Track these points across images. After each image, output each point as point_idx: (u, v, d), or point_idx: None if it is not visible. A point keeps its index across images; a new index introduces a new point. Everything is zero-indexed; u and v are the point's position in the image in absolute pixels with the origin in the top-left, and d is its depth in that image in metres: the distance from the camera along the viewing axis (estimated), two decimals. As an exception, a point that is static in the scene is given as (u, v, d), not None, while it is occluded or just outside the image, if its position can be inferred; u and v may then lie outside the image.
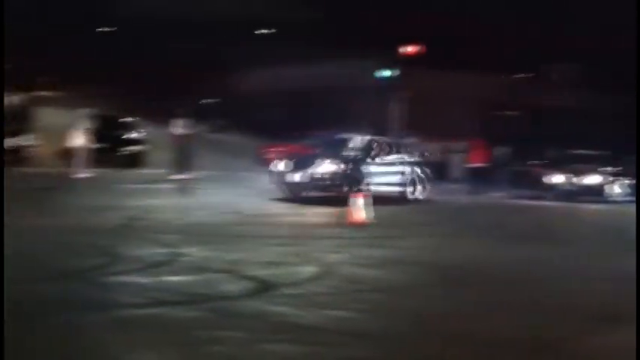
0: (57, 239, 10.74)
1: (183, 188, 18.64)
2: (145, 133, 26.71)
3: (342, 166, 18.12)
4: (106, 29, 51.73)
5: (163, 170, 23.03)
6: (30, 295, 7.19)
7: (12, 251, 8.65)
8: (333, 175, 17.96)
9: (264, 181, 19.67)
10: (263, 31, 49.13)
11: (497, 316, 7.41)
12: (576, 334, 6.84)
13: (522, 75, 47.54)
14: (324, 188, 18.10)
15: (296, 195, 18.14)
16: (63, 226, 12.10)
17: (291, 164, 18.39)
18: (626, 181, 24.05)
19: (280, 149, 29.35)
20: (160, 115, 40.97)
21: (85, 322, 6.44)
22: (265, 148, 29.88)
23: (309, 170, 18.08)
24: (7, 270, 7.54)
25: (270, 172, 18.83)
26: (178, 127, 21.97)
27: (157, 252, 9.98)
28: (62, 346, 5.75)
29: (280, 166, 18.63)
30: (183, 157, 21.57)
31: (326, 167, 18.15)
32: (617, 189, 23.97)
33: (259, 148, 30.83)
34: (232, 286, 8.19)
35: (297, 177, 18.15)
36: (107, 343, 5.86)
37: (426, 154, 21.73)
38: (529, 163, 25.72)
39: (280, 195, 18.54)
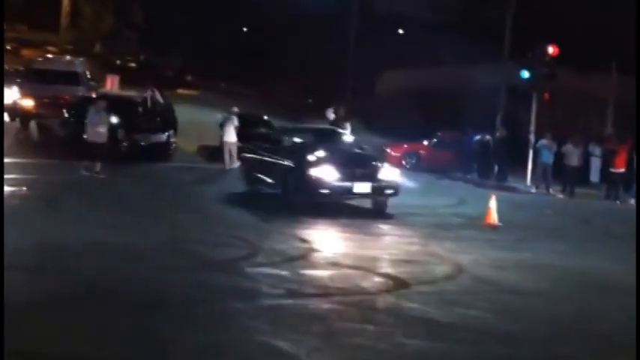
0: (202, 230, 11.33)
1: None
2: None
3: None
4: (246, 29, 53.03)
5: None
6: (181, 284, 7.75)
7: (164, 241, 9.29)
8: None
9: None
10: (399, 30, 49.21)
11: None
12: None
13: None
14: None
15: None
16: (205, 218, 12.68)
17: None
18: None
19: (404, 148, 29.95)
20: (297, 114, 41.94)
21: (234, 309, 6.90)
22: (390, 147, 30.41)
23: None
24: (163, 258, 8.20)
25: None
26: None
27: (294, 246, 10.39)
28: (216, 331, 6.24)
29: None
30: None
31: None
32: None
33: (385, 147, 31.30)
34: (367, 282, 8.49)
35: None
36: (254, 330, 6.28)
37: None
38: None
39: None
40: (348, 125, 22.46)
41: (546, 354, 6.32)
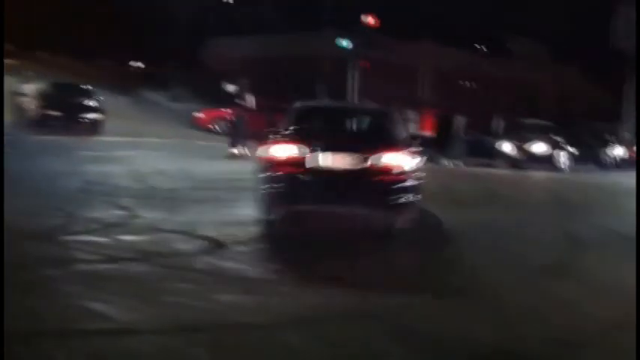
0: (16, 203, 11.09)
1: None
2: (102, 101, 26.90)
3: None
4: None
5: (121, 138, 23.41)
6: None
7: None
8: None
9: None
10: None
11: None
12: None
13: (477, 47, 48.25)
14: None
15: None
16: (22, 190, 12.42)
17: None
18: (570, 150, 24.96)
19: (212, 114, 30.51)
20: (117, 82, 41.13)
21: (51, 276, 6.94)
22: (198, 111, 31.15)
23: None
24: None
25: None
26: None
27: (114, 214, 10.42)
28: (33, 297, 6.27)
29: None
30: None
31: None
32: (563, 158, 24.84)
33: (193, 113, 31.83)
34: (185, 245, 8.70)
35: None
36: (71, 294, 6.36)
37: None
38: (481, 132, 26.51)
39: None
40: (251, 98, 21.85)
41: (356, 299, 6.75)
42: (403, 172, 9.46)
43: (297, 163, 9.28)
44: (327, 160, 9.35)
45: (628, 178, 21.37)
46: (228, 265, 7.74)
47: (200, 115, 32.03)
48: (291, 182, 9.27)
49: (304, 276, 7.53)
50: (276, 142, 9.64)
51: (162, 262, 7.74)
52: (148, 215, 10.46)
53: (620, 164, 27.27)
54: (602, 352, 5.79)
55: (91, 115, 25.48)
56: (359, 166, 9.29)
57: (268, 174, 9.49)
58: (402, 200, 9.44)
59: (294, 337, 5.63)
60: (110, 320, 5.77)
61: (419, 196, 9.87)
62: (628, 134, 32.17)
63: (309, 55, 36.86)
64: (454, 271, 8.35)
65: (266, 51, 41.35)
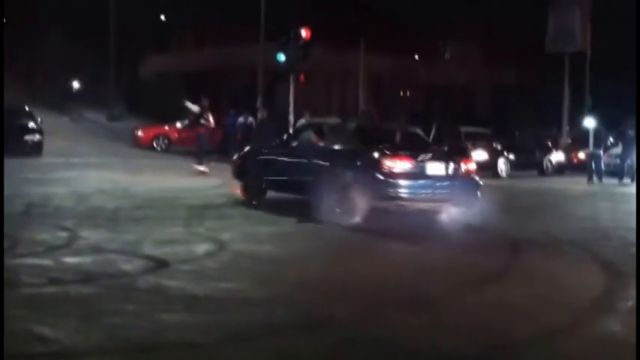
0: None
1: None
2: (42, 122, 26.65)
3: None
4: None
5: (61, 158, 23.24)
6: None
7: None
8: None
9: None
10: (161, 16, 49.00)
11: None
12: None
13: (416, 53, 48.76)
14: None
15: None
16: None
17: None
18: (511, 157, 25.47)
19: (152, 131, 30.49)
20: (55, 102, 40.68)
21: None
22: (138, 129, 31.09)
23: None
24: None
25: None
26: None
27: (56, 236, 10.40)
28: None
29: None
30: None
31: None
32: (503, 164, 25.34)
33: (133, 130, 31.78)
34: (129, 265, 8.75)
35: None
36: (15, 318, 6.38)
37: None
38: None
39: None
40: (210, 116, 22.28)
41: (301, 314, 6.90)
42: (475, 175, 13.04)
43: (414, 172, 12.22)
44: (433, 168, 12.45)
45: (564, 184, 22.00)
46: (172, 283, 7.81)
47: (140, 132, 31.87)
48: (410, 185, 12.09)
49: (248, 295, 7.64)
50: (393, 157, 12.26)
51: (106, 283, 7.78)
52: (91, 236, 10.47)
53: (559, 170, 27.83)
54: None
55: (31, 137, 25.24)
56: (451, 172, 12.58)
57: (393, 180, 11.98)
58: (479, 194, 12.86)
59: (243, 354, 5.76)
60: (54, 343, 5.81)
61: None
62: (567, 139, 32.77)
63: (246, 68, 36.98)
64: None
65: (199, 65, 41.36)
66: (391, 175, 12.08)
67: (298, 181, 13.37)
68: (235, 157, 16.28)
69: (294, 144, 14.40)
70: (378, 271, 8.97)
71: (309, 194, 12.95)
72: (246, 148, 16.08)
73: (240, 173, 15.47)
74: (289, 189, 14.11)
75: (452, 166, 12.62)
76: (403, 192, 12.06)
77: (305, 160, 13.39)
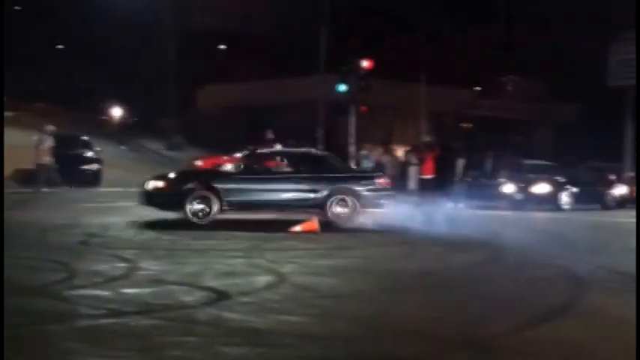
0: (19, 257, 10.99)
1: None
2: (100, 151, 26.94)
3: None
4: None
5: (119, 188, 23.36)
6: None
7: None
8: None
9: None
10: (220, 46, 49.51)
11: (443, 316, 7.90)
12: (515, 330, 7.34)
13: (476, 88, 48.47)
14: None
15: None
16: (23, 243, 12.34)
17: None
18: (574, 190, 24.89)
19: (211, 161, 30.50)
20: (114, 131, 41.20)
21: (53, 332, 6.80)
22: (197, 159, 31.08)
23: None
24: None
25: None
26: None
27: (115, 266, 10.31)
28: (36, 354, 6.13)
29: None
30: None
31: None
32: (565, 197, 24.77)
33: (193, 159, 31.79)
34: (188, 297, 8.57)
35: None
36: (74, 351, 6.23)
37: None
38: (483, 173, 26.45)
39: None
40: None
41: (362, 352, 6.63)
42: None
43: None
44: None
45: (627, 217, 21.35)
46: (232, 316, 7.60)
47: (199, 162, 31.87)
48: None
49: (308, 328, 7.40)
50: None
51: (165, 315, 7.61)
52: (151, 267, 10.35)
53: (622, 203, 27.13)
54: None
55: (89, 166, 25.49)
56: None
57: None
58: None
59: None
60: (113, 377, 5.64)
61: None
62: (630, 173, 32.10)
63: (306, 101, 37.00)
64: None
65: (258, 98, 41.54)
66: None
67: None
68: None
69: None
70: (438, 305, 8.65)
71: None
72: None
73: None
74: None
75: None
76: None
77: None
